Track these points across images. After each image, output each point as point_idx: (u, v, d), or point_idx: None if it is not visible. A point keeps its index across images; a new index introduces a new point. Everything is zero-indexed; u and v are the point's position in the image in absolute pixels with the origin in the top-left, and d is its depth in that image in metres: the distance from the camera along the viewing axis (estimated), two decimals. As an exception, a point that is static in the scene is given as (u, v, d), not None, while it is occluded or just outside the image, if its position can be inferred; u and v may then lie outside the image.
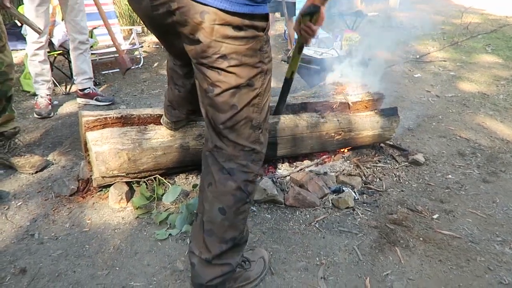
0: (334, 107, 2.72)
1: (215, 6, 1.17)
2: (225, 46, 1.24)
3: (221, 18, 1.19)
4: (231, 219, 1.47)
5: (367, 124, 2.74)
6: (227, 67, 1.28)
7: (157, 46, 6.24)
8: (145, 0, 1.27)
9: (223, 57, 1.26)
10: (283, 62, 4.42)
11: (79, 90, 3.81)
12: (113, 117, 2.26)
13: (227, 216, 1.46)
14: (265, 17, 1.28)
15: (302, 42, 1.86)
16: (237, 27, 1.22)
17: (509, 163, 2.88)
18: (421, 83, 4.68)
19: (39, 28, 2.76)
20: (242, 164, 1.43)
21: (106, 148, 2.09)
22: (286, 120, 2.52)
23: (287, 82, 2.17)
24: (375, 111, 2.82)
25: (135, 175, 2.22)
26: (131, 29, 5.63)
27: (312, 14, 1.64)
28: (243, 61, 1.28)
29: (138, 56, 5.30)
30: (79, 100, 3.85)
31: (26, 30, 3.29)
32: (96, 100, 3.80)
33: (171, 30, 1.32)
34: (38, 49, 3.34)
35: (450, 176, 2.69)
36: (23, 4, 3.25)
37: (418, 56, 5.77)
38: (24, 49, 4.11)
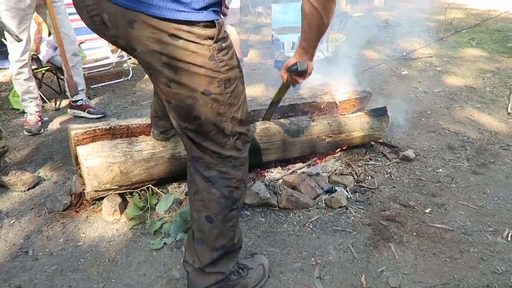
0: (321, 107, 2.75)
1: (143, 12, 1.10)
2: (165, 56, 1.18)
3: (152, 25, 1.12)
4: (219, 226, 1.45)
5: (357, 126, 2.76)
6: (174, 78, 1.22)
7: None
8: (84, 11, 1.21)
9: (167, 67, 1.20)
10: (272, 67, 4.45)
11: (72, 101, 3.81)
12: (102, 128, 2.26)
13: (215, 224, 1.44)
14: (210, 25, 1.19)
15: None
16: (174, 36, 1.14)
17: (498, 154, 2.92)
18: (408, 80, 4.73)
19: (17, 36, 2.75)
20: (222, 171, 1.41)
21: (97, 162, 2.09)
22: (277, 125, 2.54)
23: (275, 103, 2.27)
24: (365, 111, 2.84)
25: (128, 187, 2.22)
26: (118, 42, 5.62)
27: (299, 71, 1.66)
28: (192, 71, 1.21)
29: (127, 68, 5.31)
30: (71, 111, 3.85)
31: (8, 48, 3.28)
32: (88, 112, 3.80)
33: (115, 42, 1.26)
34: (21, 67, 3.32)
35: (440, 170, 2.73)
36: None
37: (404, 54, 5.83)
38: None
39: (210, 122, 1.32)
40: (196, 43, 1.18)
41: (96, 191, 2.13)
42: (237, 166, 1.44)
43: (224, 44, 1.26)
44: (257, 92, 4.55)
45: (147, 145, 2.24)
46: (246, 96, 1.45)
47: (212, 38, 1.21)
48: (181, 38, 1.15)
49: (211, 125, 1.33)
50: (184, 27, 1.15)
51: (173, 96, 1.28)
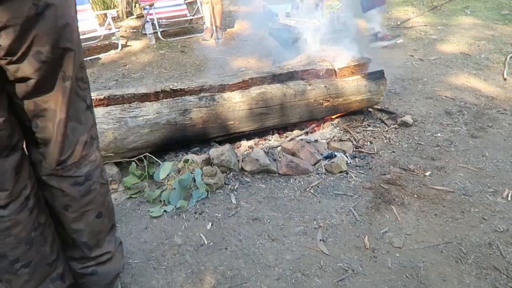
0: (320, 74, 2.69)
1: None
2: None
3: None
4: (107, 214, 1.35)
5: (355, 89, 2.72)
6: None
7: (134, 30, 6.08)
8: None
9: None
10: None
11: None
12: (96, 99, 2.19)
13: (105, 215, 1.33)
14: None
15: None
16: None
17: (495, 118, 2.91)
18: (404, 48, 4.66)
19: None
20: (85, 163, 1.23)
21: (91, 129, 2.02)
22: (273, 89, 2.48)
23: None
24: (362, 75, 2.79)
25: (124, 154, 2.17)
26: (105, 14, 5.45)
27: None
28: None
29: (116, 41, 5.15)
30: None
31: None
32: None
33: None
34: None
35: (439, 134, 2.71)
36: None
37: (399, 23, 5.74)
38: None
39: None
40: None
41: (91, 160, 2.07)
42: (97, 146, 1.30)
43: None
44: (251, 62, 4.46)
45: (141, 111, 2.19)
46: None
47: None
48: None
49: None
50: None
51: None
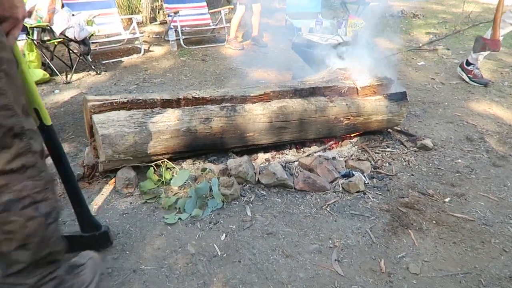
0: (342, 91, 2.68)
1: None
2: None
3: None
4: (35, 247, 1.23)
5: (376, 109, 2.70)
6: None
7: (157, 36, 6.17)
8: None
9: None
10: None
11: None
12: (119, 102, 2.21)
13: (31, 248, 1.22)
14: None
15: None
16: None
17: (518, 147, 2.85)
18: (425, 71, 4.64)
19: None
20: (18, 189, 1.15)
21: (112, 130, 2.04)
22: (294, 104, 2.48)
23: None
24: (384, 95, 2.77)
25: (142, 158, 2.18)
26: (131, 19, 5.55)
27: None
28: None
29: (139, 46, 5.23)
30: None
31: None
32: None
33: None
34: None
35: (459, 160, 2.66)
36: None
37: (421, 45, 5.72)
38: (24, 39, 4.03)
39: None
40: None
41: (110, 161, 2.08)
42: (33, 176, 1.19)
43: None
44: (271, 75, 4.48)
45: (163, 117, 2.19)
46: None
47: None
48: None
49: None
50: None
51: None
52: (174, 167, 2.28)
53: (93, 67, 4.38)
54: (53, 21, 3.86)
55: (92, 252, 1.65)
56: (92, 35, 4.30)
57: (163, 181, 2.18)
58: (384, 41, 5.85)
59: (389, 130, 3.00)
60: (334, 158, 2.58)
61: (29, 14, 3.59)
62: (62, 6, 4.06)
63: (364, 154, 2.69)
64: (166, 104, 2.30)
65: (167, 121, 2.19)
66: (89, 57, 4.50)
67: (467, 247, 1.87)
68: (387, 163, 2.60)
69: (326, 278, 1.66)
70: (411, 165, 2.59)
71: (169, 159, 2.28)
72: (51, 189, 1.26)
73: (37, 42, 3.88)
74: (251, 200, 2.16)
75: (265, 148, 2.65)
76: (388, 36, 5.93)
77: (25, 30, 3.82)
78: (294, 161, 2.52)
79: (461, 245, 1.88)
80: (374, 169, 2.52)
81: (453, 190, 2.32)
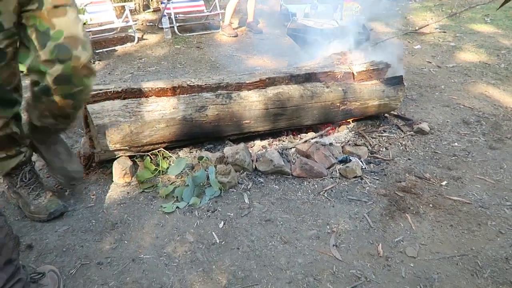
0: (338, 77, 2.66)
1: None
2: None
3: None
4: None
5: (373, 93, 2.68)
6: None
7: (151, 24, 6.09)
8: None
9: None
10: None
11: None
12: (114, 91, 2.18)
13: None
14: None
15: None
16: None
17: (514, 130, 2.86)
18: (421, 54, 4.61)
19: None
20: None
21: (107, 121, 2.02)
22: (290, 90, 2.46)
23: None
24: (380, 80, 2.76)
25: (138, 148, 2.17)
26: (123, 6, 5.47)
27: None
28: None
29: (132, 34, 5.16)
30: None
31: None
32: None
33: None
34: None
35: (456, 144, 2.67)
36: None
37: (417, 28, 5.67)
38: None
39: None
40: None
41: (106, 151, 2.07)
42: None
43: None
44: (266, 61, 4.44)
45: (158, 106, 2.18)
46: None
47: None
48: None
49: None
50: None
51: None
52: (171, 156, 2.27)
53: (86, 57, 4.32)
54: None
55: (52, 266, 1.60)
56: (84, 24, 4.23)
57: (160, 170, 2.18)
58: (381, 25, 5.80)
59: (386, 114, 3.00)
60: (331, 144, 2.58)
61: None
62: None
63: (361, 139, 2.69)
64: (161, 92, 2.27)
65: (163, 110, 2.17)
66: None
67: (464, 229, 1.88)
68: (384, 148, 2.60)
69: (325, 263, 1.67)
70: (408, 149, 2.60)
71: (166, 148, 2.27)
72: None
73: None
74: (249, 187, 2.16)
75: (262, 135, 2.64)
76: (384, 20, 5.88)
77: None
78: (291, 148, 2.52)
79: (457, 228, 1.89)
80: (371, 154, 2.52)
81: (450, 174, 2.33)
